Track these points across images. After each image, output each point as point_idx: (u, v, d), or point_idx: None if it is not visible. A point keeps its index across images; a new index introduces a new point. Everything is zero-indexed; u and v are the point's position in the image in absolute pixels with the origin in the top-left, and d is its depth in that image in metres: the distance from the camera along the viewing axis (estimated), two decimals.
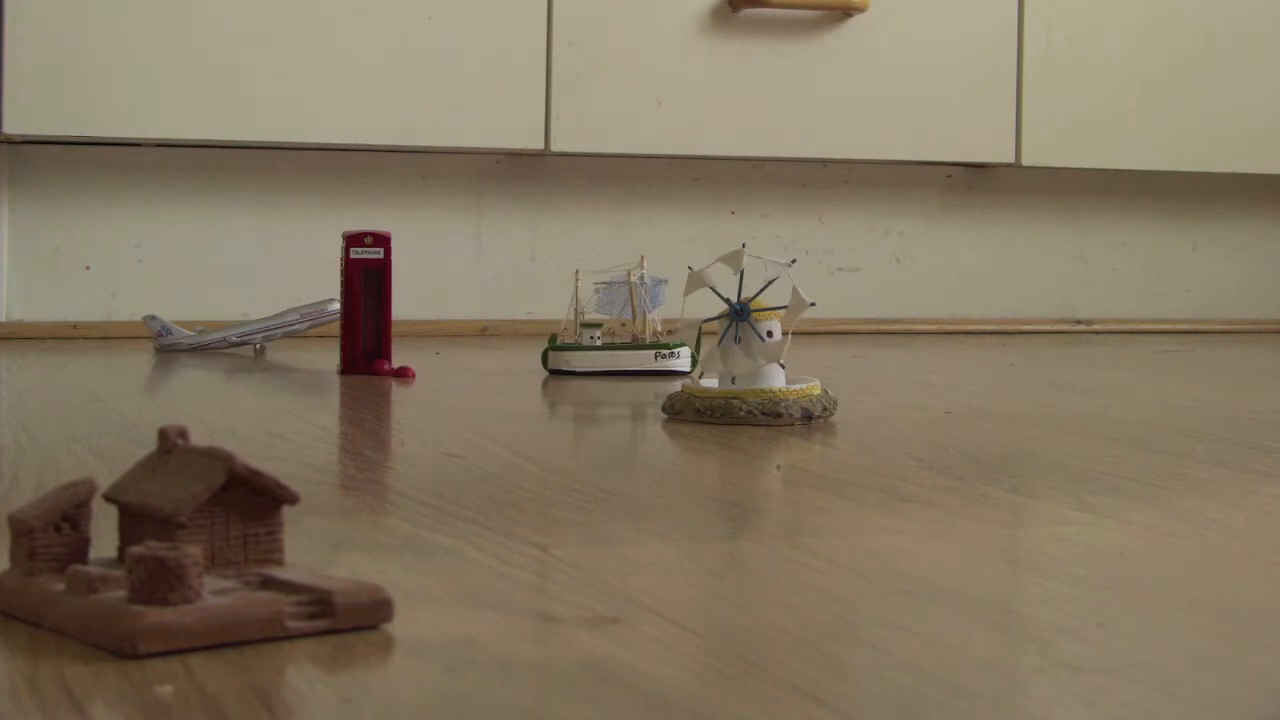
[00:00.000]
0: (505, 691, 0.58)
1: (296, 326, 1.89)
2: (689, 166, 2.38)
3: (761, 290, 1.32)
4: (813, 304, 1.31)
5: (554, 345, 1.68)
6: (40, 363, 1.81)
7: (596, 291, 1.70)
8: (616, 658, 0.62)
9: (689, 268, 1.34)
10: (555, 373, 1.67)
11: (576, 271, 1.73)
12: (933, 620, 0.70)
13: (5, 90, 2.04)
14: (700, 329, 1.48)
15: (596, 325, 1.68)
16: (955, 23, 2.37)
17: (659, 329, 1.68)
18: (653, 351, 1.66)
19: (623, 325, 1.70)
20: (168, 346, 1.91)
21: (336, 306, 1.78)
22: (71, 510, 0.68)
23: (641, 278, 1.69)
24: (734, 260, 1.32)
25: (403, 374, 1.63)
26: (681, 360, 1.66)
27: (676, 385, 1.38)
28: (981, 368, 1.93)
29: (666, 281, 1.70)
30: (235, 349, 1.92)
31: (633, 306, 1.68)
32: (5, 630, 0.65)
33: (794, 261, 1.33)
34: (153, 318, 1.93)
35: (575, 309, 1.69)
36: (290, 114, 2.14)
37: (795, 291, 1.30)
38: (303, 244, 2.22)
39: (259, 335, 1.90)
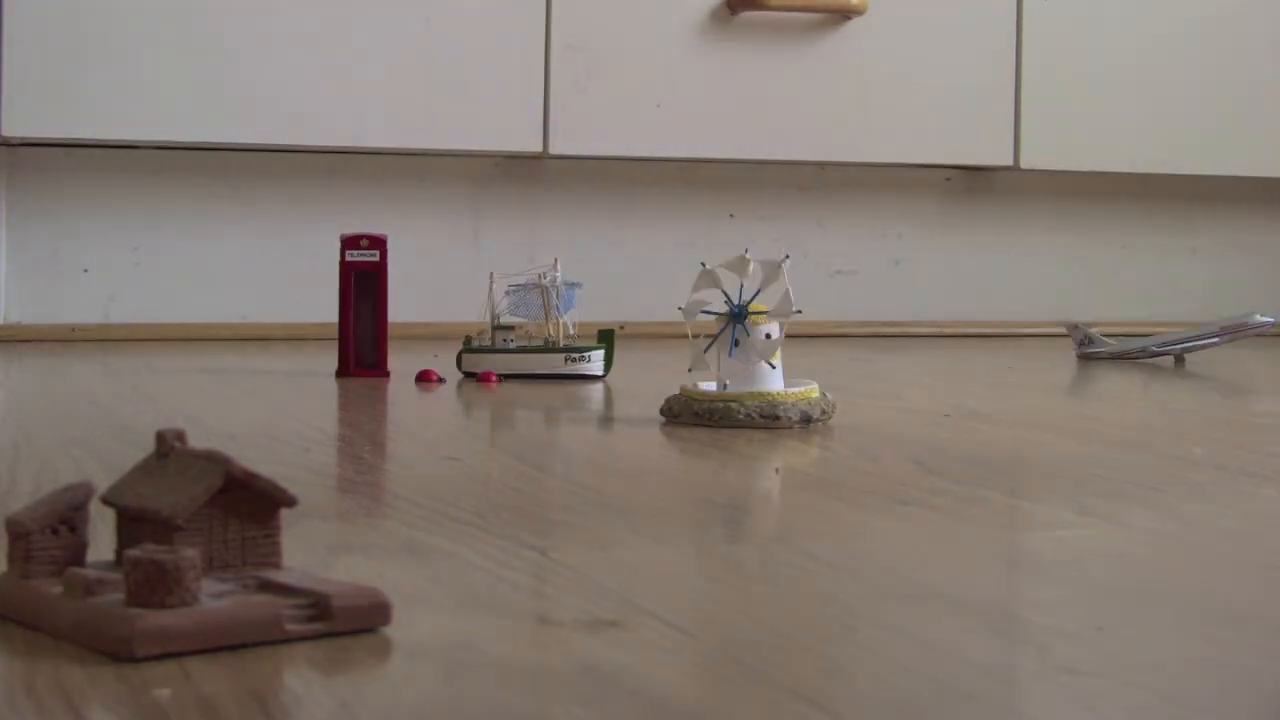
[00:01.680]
0: (503, 695, 0.58)
1: (1218, 339, 1.94)
2: (687, 169, 2.38)
3: (755, 295, 1.32)
4: (798, 312, 1.31)
5: (468, 348, 1.68)
6: (38, 365, 1.81)
7: (508, 294, 1.69)
8: (615, 661, 0.62)
9: (702, 264, 1.34)
10: (469, 375, 1.66)
11: (491, 274, 1.73)
12: (931, 624, 0.69)
13: (4, 93, 2.04)
14: (698, 313, 1.45)
15: (510, 328, 1.67)
16: (953, 25, 2.37)
17: (571, 332, 1.67)
18: (563, 355, 1.65)
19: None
20: (1090, 354, 1.97)
21: (1264, 319, 1.82)
22: (69, 513, 0.68)
23: (553, 280, 1.68)
24: (738, 266, 1.32)
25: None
26: (593, 364, 1.65)
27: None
28: (980, 371, 1.93)
29: (580, 285, 1.70)
30: (1154, 359, 1.97)
31: (545, 309, 1.68)
32: (2, 633, 0.65)
33: (786, 258, 1.33)
34: (1075, 326, 2.00)
35: (490, 312, 1.69)
36: (288, 116, 2.14)
37: (785, 296, 1.30)
38: (301, 246, 2.22)
39: (1179, 346, 1.96)
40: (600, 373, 1.66)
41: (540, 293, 1.68)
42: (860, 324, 2.42)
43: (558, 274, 1.68)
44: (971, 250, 2.51)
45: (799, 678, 0.61)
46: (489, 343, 1.67)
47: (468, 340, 1.68)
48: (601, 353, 1.66)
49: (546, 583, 0.77)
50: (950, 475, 1.09)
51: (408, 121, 2.18)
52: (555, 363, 1.65)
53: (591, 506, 0.96)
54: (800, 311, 1.32)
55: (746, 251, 1.35)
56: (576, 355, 1.65)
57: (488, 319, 1.68)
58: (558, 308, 1.67)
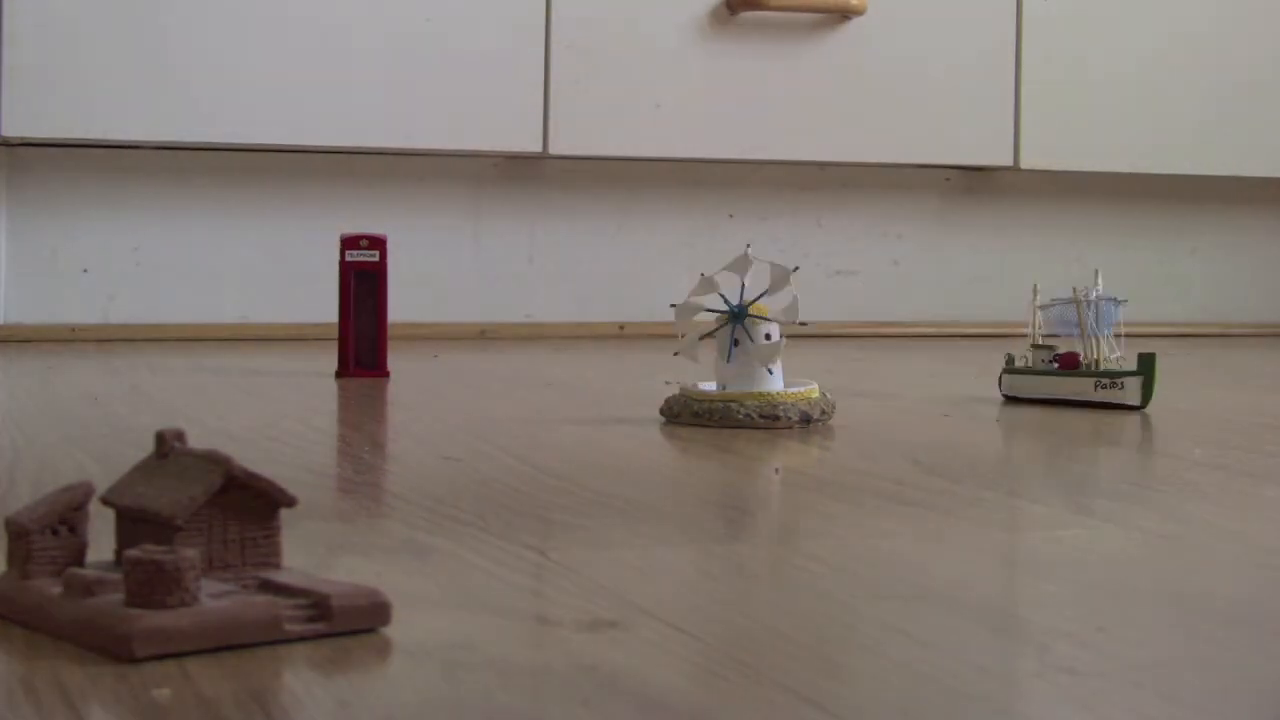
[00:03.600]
0: (502, 695, 0.58)
1: None
2: (687, 169, 2.38)
3: (758, 297, 1.32)
4: (803, 323, 1.32)
5: (1010, 369, 1.52)
6: (37, 365, 1.81)
7: (1044, 309, 1.52)
8: (614, 661, 0.62)
9: (701, 274, 1.34)
10: (1009, 399, 1.51)
11: (1034, 287, 1.55)
12: (931, 624, 0.69)
13: (3, 92, 2.04)
14: (697, 311, 1.44)
15: (1049, 348, 1.50)
16: (953, 25, 2.37)
17: (1113, 354, 1.48)
18: (1092, 381, 1.46)
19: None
20: None
21: None
22: (69, 513, 0.68)
23: (1087, 294, 1.49)
24: (739, 264, 1.33)
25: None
26: (1127, 392, 1.45)
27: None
28: (980, 371, 1.93)
29: (1123, 300, 1.51)
30: None
31: (1081, 328, 1.49)
32: (2, 633, 0.65)
33: (796, 269, 1.33)
34: None
35: (1033, 329, 1.51)
36: (288, 116, 2.14)
37: (793, 303, 1.31)
38: (301, 247, 2.22)
39: None
40: (1137, 403, 1.44)
41: (1076, 309, 1.49)
42: (860, 324, 2.42)
43: (1098, 288, 1.50)
44: (971, 250, 2.51)
45: (798, 677, 0.61)
46: (1029, 363, 1.51)
47: (1010, 360, 1.52)
48: (1139, 380, 1.45)
49: (546, 583, 0.77)
50: (950, 475, 1.09)
51: (408, 121, 2.18)
52: (1085, 388, 1.47)
53: (591, 507, 0.96)
54: (805, 324, 1.32)
55: (749, 247, 1.36)
56: (1108, 382, 1.46)
57: (1029, 336, 1.52)
58: (1094, 326, 1.48)
